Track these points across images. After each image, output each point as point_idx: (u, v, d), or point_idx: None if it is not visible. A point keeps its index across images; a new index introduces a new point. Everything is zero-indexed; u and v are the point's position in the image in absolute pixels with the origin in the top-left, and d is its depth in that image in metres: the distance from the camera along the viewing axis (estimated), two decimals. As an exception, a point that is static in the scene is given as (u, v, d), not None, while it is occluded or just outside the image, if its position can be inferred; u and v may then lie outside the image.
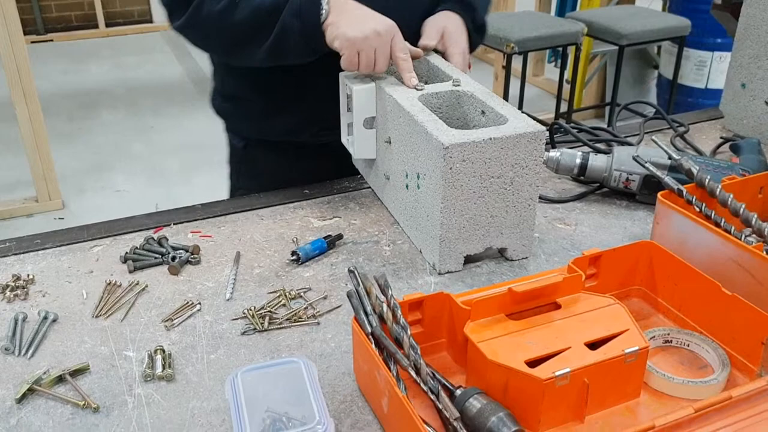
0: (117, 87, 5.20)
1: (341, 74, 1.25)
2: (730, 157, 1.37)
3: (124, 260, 1.09)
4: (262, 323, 0.95)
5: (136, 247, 1.12)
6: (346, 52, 1.13)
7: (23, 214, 3.44)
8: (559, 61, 4.13)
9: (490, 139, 0.99)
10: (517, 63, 3.84)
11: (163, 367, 0.88)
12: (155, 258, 1.10)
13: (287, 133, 1.37)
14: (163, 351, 0.90)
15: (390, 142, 1.17)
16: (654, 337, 0.91)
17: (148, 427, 0.80)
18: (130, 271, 1.08)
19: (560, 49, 3.77)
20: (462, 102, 1.17)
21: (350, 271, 0.85)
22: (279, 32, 1.16)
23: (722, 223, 1.02)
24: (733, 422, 0.70)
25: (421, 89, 1.15)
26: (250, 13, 1.16)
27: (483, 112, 1.12)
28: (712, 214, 1.03)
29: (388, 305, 0.83)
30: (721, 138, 1.48)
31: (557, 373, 0.75)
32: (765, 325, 0.83)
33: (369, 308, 0.82)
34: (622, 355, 0.78)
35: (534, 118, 1.43)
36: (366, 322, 0.81)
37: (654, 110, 1.67)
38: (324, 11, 1.13)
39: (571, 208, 1.27)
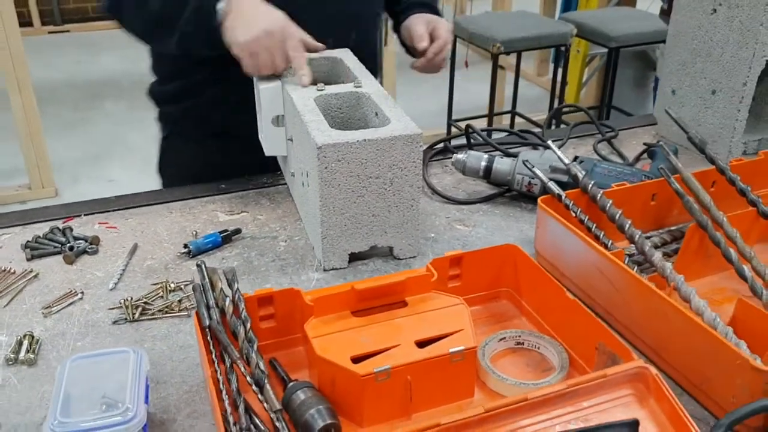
0: (124, 78, 5.28)
1: (254, 73, 1.28)
2: (644, 164, 1.38)
3: (24, 247, 1.13)
4: (134, 314, 0.99)
5: (39, 236, 1.16)
6: (241, 57, 1.14)
7: (16, 201, 3.53)
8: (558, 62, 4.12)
9: (365, 140, 1.01)
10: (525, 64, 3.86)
11: (27, 352, 0.91)
12: (54, 247, 1.14)
13: (201, 117, 1.39)
14: (32, 336, 0.94)
15: (292, 140, 1.20)
16: (505, 338, 0.93)
17: (-4, 408, 0.84)
18: (28, 259, 1.12)
19: (562, 49, 3.75)
20: (361, 103, 1.19)
21: (197, 266, 0.88)
22: (183, 29, 1.19)
23: (593, 229, 1.03)
24: (528, 424, 0.72)
25: (322, 89, 1.18)
26: (160, 3, 1.19)
27: (376, 114, 1.14)
28: (585, 220, 1.04)
29: (232, 299, 0.85)
30: (644, 144, 1.48)
31: (377, 370, 0.78)
32: (599, 331, 0.84)
33: (212, 302, 0.85)
34: (446, 354, 0.80)
35: (526, 119, 1.45)
36: (205, 315, 0.84)
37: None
38: (220, 12, 1.14)
39: (476, 209, 1.28)
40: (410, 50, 1.46)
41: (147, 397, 0.78)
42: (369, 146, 1.02)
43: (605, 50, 4.16)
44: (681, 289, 0.92)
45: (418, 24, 1.39)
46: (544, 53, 5.12)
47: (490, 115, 3.59)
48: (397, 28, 1.51)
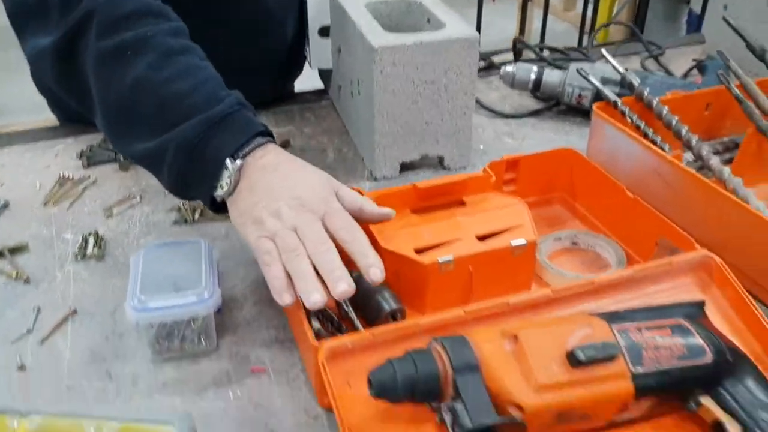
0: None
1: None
2: (695, 78, 1.36)
3: (80, 156, 1.15)
4: (193, 216, 1.01)
5: (93, 146, 1.18)
6: (253, 245, 0.75)
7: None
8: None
9: (421, 42, 1.01)
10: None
11: (94, 247, 0.94)
12: (109, 156, 1.15)
13: None
14: (97, 235, 0.97)
15: (340, 51, 1.20)
16: (561, 238, 0.94)
17: (71, 298, 0.87)
18: (84, 167, 1.14)
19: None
20: (411, 10, 1.18)
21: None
22: (169, 163, 0.83)
23: (650, 135, 1.02)
24: (594, 308, 0.73)
25: (372, 1, 1.17)
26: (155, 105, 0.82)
27: (428, 20, 1.13)
28: (642, 125, 1.03)
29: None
30: (693, 60, 1.46)
31: (440, 260, 0.79)
32: (660, 227, 0.84)
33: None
34: (508, 247, 0.81)
35: (559, 51, 1.42)
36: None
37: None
38: (224, 187, 0.79)
39: (523, 123, 1.28)
40: None
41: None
42: (425, 49, 1.01)
43: (638, -17, 4.07)
44: (738, 192, 0.92)
45: None
46: (572, -12, 5.00)
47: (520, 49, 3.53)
48: None
